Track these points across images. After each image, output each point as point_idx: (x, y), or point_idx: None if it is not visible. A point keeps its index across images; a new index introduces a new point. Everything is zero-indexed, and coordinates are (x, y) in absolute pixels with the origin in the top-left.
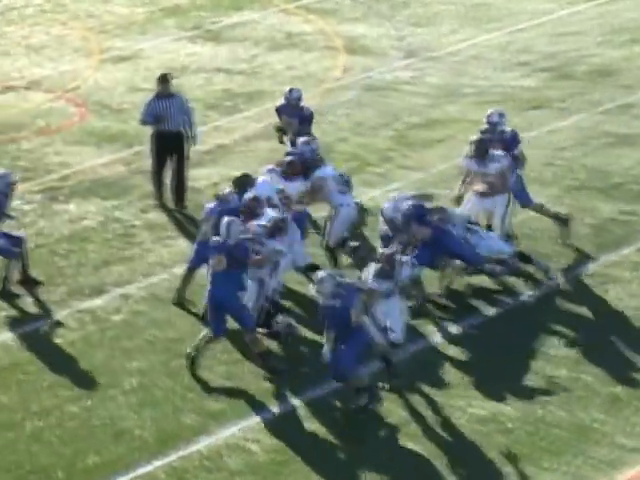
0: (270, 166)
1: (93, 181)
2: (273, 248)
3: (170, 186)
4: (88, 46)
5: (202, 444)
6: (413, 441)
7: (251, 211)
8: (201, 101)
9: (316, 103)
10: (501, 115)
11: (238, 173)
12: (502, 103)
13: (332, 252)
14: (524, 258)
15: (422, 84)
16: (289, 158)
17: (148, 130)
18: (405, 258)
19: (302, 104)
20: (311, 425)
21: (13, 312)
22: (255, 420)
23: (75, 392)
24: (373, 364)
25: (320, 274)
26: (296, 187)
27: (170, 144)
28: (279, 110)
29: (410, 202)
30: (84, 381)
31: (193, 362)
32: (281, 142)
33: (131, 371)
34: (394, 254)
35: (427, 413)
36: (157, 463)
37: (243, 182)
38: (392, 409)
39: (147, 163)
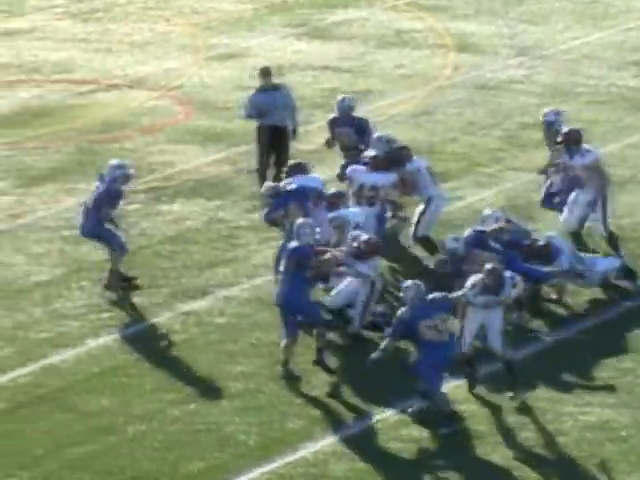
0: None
1: (197, 181)
2: (359, 272)
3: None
4: (193, 43)
5: (307, 450)
6: (520, 449)
7: (333, 203)
8: (308, 100)
9: (425, 102)
10: (557, 114)
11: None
12: (615, 103)
13: (422, 242)
14: (629, 273)
15: (534, 83)
16: (373, 152)
17: (254, 127)
18: (511, 275)
19: (355, 114)
20: (414, 432)
21: (116, 313)
22: (359, 427)
23: (178, 396)
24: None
25: (407, 282)
26: (384, 180)
27: (272, 138)
28: (333, 122)
29: (470, 229)
30: (187, 385)
31: (288, 375)
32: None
33: (235, 375)
34: (498, 269)
35: (535, 420)
36: (261, 469)
37: (295, 169)
38: (497, 416)
39: (253, 162)
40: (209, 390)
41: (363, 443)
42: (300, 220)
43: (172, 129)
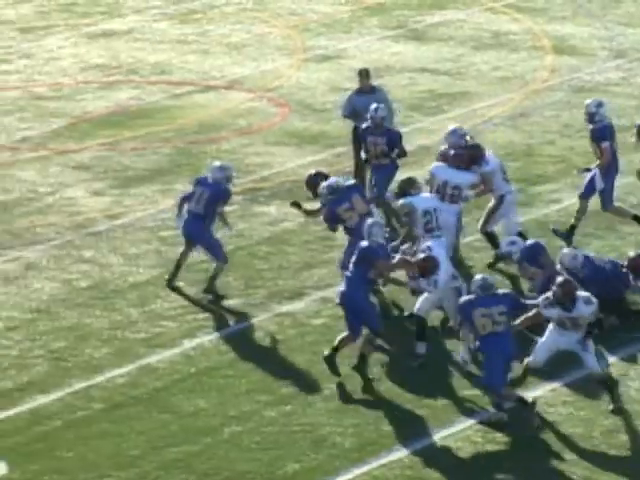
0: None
1: (294, 182)
2: (419, 285)
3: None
4: (290, 45)
5: (402, 452)
6: (615, 452)
7: (405, 190)
8: (404, 101)
9: (522, 104)
10: (599, 105)
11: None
12: None
13: (489, 236)
14: None
15: (631, 85)
16: (454, 150)
17: (349, 129)
18: (583, 294)
19: (387, 125)
20: (510, 435)
21: (212, 314)
22: (457, 428)
23: (274, 397)
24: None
25: (476, 276)
26: (468, 179)
27: None
28: (365, 131)
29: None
30: (283, 386)
31: (329, 362)
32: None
33: (331, 376)
34: (571, 283)
35: (629, 422)
36: (357, 471)
37: (313, 182)
38: (592, 419)
39: (349, 164)
40: (305, 391)
41: (458, 446)
42: (370, 220)
43: (269, 131)
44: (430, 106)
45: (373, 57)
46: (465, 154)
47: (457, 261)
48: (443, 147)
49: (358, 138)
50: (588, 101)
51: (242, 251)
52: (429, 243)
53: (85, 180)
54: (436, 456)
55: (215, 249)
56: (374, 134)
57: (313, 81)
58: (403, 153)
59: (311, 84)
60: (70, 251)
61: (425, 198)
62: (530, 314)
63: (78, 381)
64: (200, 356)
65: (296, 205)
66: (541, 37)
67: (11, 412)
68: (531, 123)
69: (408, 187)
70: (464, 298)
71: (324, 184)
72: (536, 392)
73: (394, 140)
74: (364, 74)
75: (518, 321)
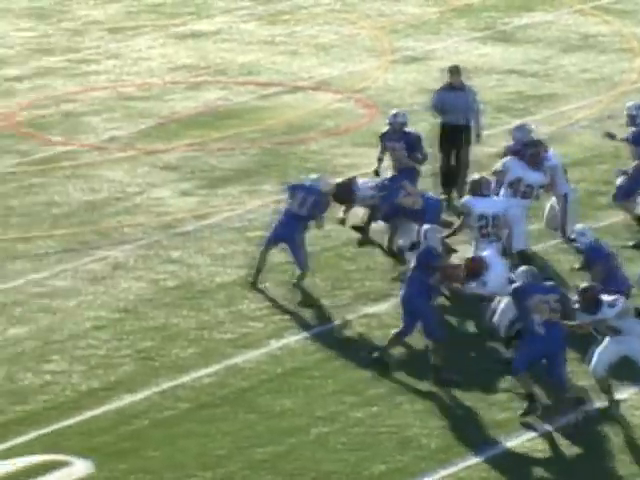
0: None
1: None
2: (469, 288)
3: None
4: (378, 46)
5: (487, 454)
6: None
7: (475, 189)
8: (492, 103)
9: (610, 107)
10: (639, 108)
11: None
12: None
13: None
14: None
15: None
16: (533, 149)
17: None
18: (609, 297)
19: (407, 129)
20: (592, 437)
21: (298, 315)
22: (542, 431)
23: (361, 398)
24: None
25: (521, 268)
26: (540, 180)
27: (451, 137)
28: (383, 137)
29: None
30: (370, 387)
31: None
32: (376, 174)
33: (418, 379)
34: (590, 289)
35: None
36: (443, 472)
37: (346, 191)
38: None
39: (436, 165)
40: (392, 393)
41: (543, 448)
42: (427, 225)
43: (356, 132)
44: (517, 108)
45: (461, 58)
46: (539, 155)
47: (535, 260)
48: (510, 143)
49: (446, 135)
50: (629, 103)
51: (329, 252)
52: (483, 249)
53: (173, 180)
54: (521, 458)
55: (301, 256)
56: (392, 139)
57: (400, 82)
58: (424, 156)
59: (399, 85)
60: (157, 251)
61: (487, 201)
62: (577, 322)
63: (165, 381)
64: (287, 356)
65: (358, 229)
66: (630, 39)
67: (98, 411)
68: (619, 125)
69: (478, 187)
70: (517, 284)
71: (368, 185)
72: (621, 395)
73: (413, 143)
74: (454, 71)
75: (570, 324)
